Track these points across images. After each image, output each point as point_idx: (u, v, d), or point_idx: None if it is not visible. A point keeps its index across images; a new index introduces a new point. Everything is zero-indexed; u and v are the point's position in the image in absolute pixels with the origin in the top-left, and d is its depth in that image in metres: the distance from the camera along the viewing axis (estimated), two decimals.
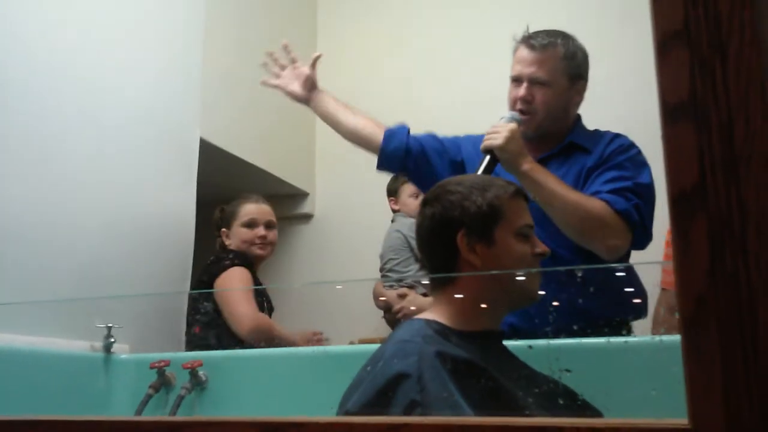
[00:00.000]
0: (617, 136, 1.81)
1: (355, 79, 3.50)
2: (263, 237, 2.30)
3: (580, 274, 1.35)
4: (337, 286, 3.16)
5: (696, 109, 0.55)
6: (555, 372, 1.04)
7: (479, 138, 1.82)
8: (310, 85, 2.07)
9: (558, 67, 1.77)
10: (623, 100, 3.00)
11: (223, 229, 2.36)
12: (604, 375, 1.14)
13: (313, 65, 2.07)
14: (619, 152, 1.74)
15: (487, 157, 1.64)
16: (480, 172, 1.62)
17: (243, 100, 2.99)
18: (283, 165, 3.21)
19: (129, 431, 0.69)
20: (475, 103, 3.06)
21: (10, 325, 1.73)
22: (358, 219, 3.27)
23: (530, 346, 1.15)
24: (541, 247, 1.20)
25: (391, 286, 2.69)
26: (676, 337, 0.54)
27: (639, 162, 1.72)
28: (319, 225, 3.40)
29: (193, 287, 2.27)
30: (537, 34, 1.80)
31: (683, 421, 0.52)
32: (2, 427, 0.77)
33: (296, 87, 2.07)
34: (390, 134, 1.98)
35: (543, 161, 1.72)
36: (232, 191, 3.28)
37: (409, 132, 1.98)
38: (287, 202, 3.42)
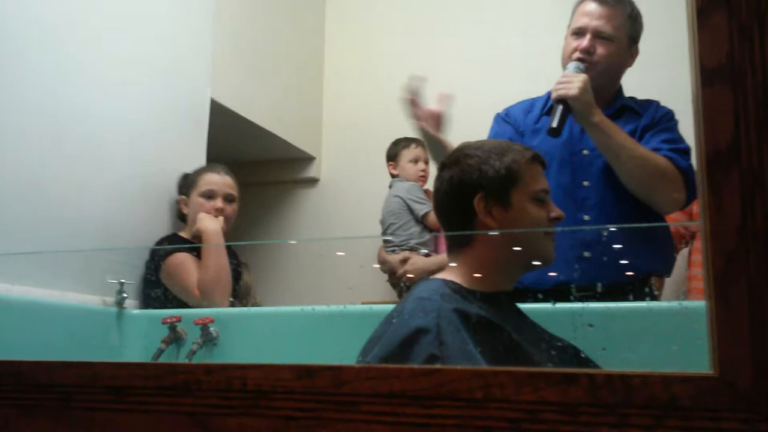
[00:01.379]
0: (659, 104, 1.84)
1: (364, 44, 3.49)
2: (219, 210, 2.16)
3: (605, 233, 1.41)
4: (338, 252, 3.19)
5: (733, 72, 0.56)
6: (578, 327, 1.07)
7: (520, 107, 1.84)
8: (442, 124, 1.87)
9: (624, 25, 1.78)
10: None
11: (182, 197, 2.24)
12: (625, 332, 1.17)
13: (442, 102, 1.87)
14: (669, 119, 1.79)
15: (560, 107, 1.62)
16: (555, 123, 1.60)
17: (252, 62, 2.98)
18: (290, 129, 3.22)
19: (167, 374, 0.71)
20: (487, 84, 3.06)
21: (24, 277, 1.75)
22: (363, 184, 3.28)
23: (554, 302, 1.18)
24: (556, 212, 1.22)
25: (393, 251, 2.72)
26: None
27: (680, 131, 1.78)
28: (325, 189, 3.42)
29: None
30: None
31: (708, 371, 0.55)
32: (41, 368, 0.80)
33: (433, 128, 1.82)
34: None
35: None
36: (240, 152, 3.30)
37: None
38: (294, 165, 3.43)
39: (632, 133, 1.72)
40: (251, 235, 3.34)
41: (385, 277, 2.77)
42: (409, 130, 2.93)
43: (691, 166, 1.68)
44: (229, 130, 2.89)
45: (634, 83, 2.72)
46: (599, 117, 1.62)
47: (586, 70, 1.71)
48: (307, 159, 3.42)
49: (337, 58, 3.52)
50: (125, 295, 1.92)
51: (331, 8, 3.58)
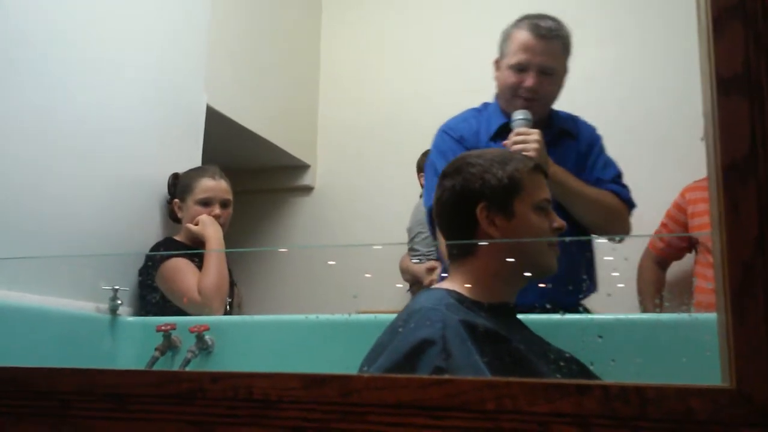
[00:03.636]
0: (584, 121, 1.91)
1: (360, 53, 3.49)
2: (217, 216, 2.15)
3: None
4: (330, 262, 3.18)
5: (750, 82, 0.56)
6: (588, 338, 1.06)
7: (467, 127, 1.86)
8: None
9: (563, 55, 1.80)
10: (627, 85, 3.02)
11: (176, 201, 2.21)
12: (633, 344, 1.16)
13: None
14: (598, 139, 1.88)
15: None
16: None
17: (248, 70, 2.98)
18: (285, 136, 3.21)
19: (170, 382, 0.70)
20: (482, 87, 3.06)
21: (18, 282, 1.73)
22: (358, 192, 3.28)
23: (563, 312, 1.17)
24: (558, 222, 1.22)
25: (419, 261, 2.71)
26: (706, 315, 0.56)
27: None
28: (320, 197, 3.41)
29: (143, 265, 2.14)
30: (540, 19, 1.79)
31: (724, 384, 0.54)
32: (38, 374, 0.78)
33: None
34: None
35: None
36: (235, 160, 3.29)
37: None
38: (288, 173, 3.42)
39: (575, 162, 1.78)
40: (246, 243, 3.32)
41: (386, 285, 2.76)
42: (404, 138, 2.95)
43: (629, 191, 1.80)
44: (225, 137, 2.89)
45: (639, 95, 2.74)
46: (553, 168, 1.66)
47: (531, 106, 1.74)
48: (302, 167, 3.41)
49: (333, 66, 3.52)
50: (119, 301, 1.90)
51: (327, 17, 3.59)
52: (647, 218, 2.75)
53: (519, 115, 1.72)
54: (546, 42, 1.76)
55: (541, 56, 1.76)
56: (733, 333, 0.53)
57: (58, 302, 1.82)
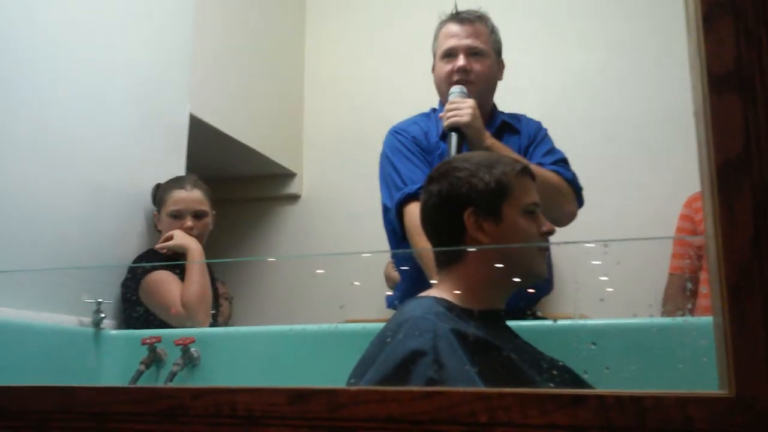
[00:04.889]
0: (528, 118, 1.92)
1: (344, 60, 3.48)
2: (189, 228, 2.11)
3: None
4: (318, 270, 3.15)
5: (741, 79, 0.55)
6: (581, 346, 1.04)
7: (417, 129, 1.86)
8: None
9: (489, 39, 1.84)
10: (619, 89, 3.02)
11: (155, 212, 2.20)
12: (628, 351, 1.14)
13: None
14: (543, 133, 1.88)
15: (455, 135, 1.65)
16: (454, 152, 1.61)
17: (232, 78, 2.95)
18: (270, 145, 3.18)
19: (151, 399, 0.68)
20: None
21: None
22: (345, 200, 3.26)
23: (555, 320, 1.15)
24: (548, 226, 1.20)
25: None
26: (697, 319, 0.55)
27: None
28: (306, 206, 3.38)
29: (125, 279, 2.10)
30: (462, 11, 1.85)
31: (723, 391, 0.52)
32: (14, 394, 0.76)
33: None
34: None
35: None
36: (220, 169, 3.26)
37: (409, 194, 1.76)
38: (274, 182, 3.39)
39: (517, 152, 1.76)
40: (232, 252, 3.29)
41: (375, 294, 2.74)
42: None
43: (574, 175, 1.76)
44: (209, 145, 2.86)
45: (629, 95, 2.73)
46: (490, 140, 1.66)
47: (468, 93, 1.74)
48: (288, 175, 3.38)
49: (318, 73, 3.50)
50: (103, 314, 1.86)
51: (311, 24, 3.57)
52: (638, 224, 2.75)
53: (455, 89, 1.75)
54: (469, 24, 1.82)
55: (468, 38, 1.80)
56: (731, 337, 0.52)
57: (39, 316, 1.78)
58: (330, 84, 3.46)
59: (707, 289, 2.27)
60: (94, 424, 0.70)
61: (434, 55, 1.90)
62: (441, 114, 1.72)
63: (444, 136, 1.78)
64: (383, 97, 3.28)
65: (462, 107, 1.65)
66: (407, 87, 3.20)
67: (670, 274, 2.47)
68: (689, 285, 2.37)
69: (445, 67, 1.81)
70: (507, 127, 1.87)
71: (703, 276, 2.36)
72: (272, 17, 3.36)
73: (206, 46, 2.70)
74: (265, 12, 3.29)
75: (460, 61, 1.78)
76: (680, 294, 2.42)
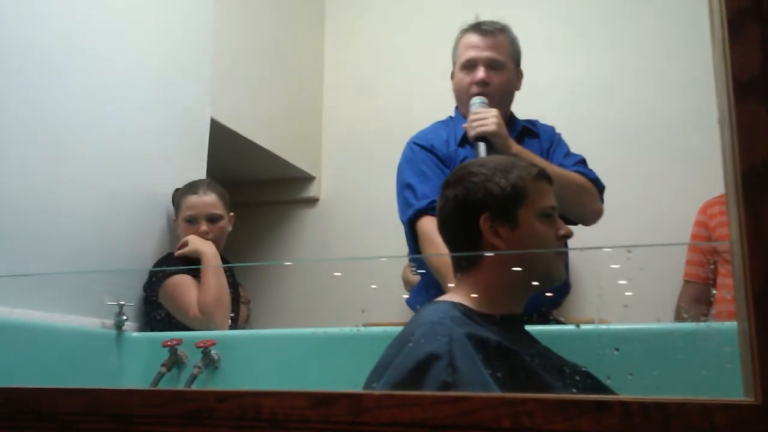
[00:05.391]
0: (541, 122, 1.95)
1: (363, 63, 3.48)
2: (204, 233, 2.13)
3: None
4: (335, 273, 3.16)
5: (767, 84, 0.54)
6: (604, 351, 1.04)
7: (437, 137, 1.87)
8: None
9: (509, 50, 1.86)
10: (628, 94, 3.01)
11: (174, 217, 2.22)
12: (650, 356, 1.14)
13: None
14: (556, 134, 1.92)
15: (482, 145, 1.67)
16: None
17: (252, 82, 2.97)
18: (290, 148, 3.20)
19: (176, 401, 0.68)
20: None
21: (23, 300, 1.72)
22: (363, 204, 3.26)
23: (578, 325, 1.14)
24: (565, 229, 1.19)
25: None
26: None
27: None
28: (325, 209, 3.39)
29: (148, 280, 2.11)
30: (483, 22, 1.86)
31: (749, 398, 0.52)
32: (42, 395, 0.77)
33: None
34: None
35: None
36: (239, 173, 3.28)
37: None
38: (293, 185, 3.40)
39: (539, 155, 1.79)
40: (251, 256, 3.30)
41: (394, 298, 2.73)
42: None
43: (595, 174, 1.80)
44: (229, 149, 2.88)
45: (650, 101, 2.71)
46: (517, 147, 1.69)
47: (487, 104, 1.76)
48: (307, 178, 3.39)
49: (337, 77, 3.51)
50: (125, 317, 1.88)
51: (330, 27, 3.58)
52: (658, 229, 2.73)
53: (476, 100, 1.77)
54: (490, 37, 1.83)
55: (487, 51, 1.82)
56: (757, 343, 0.51)
57: (62, 318, 1.80)
58: (349, 88, 3.47)
59: (722, 292, 2.26)
60: (119, 426, 0.71)
61: (454, 64, 1.92)
62: (465, 125, 1.75)
63: (463, 144, 1.81)
64: (402, 100, 3.28)
65: (487, 116, 1.67)
66: (427, 90, 3.21)
67: (685, 282, 2.45)
68: (713, 291, 2.35)
69: (465, 78, 1.84)
70: (527, 131, 1.90)
71: (728, 281, 2.34)
72: (291, 20, 3.38)
73: (226, 50, 2.72)
74: (284, 15, 3.31)
75: (480, 73, 1.81)
76: (696, 301, 2.40)
